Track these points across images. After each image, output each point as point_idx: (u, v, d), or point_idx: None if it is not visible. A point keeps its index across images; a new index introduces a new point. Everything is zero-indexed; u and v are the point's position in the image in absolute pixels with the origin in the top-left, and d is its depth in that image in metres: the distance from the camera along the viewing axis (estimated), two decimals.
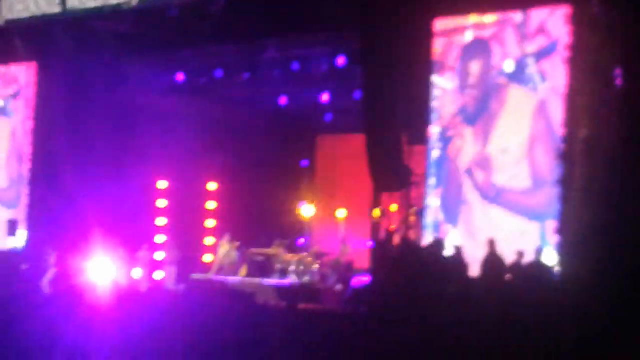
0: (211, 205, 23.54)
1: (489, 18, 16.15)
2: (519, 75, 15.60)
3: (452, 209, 16.21)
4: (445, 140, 16.50)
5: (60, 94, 21.35)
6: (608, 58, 12.21)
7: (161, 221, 22.66)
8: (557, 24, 14.80)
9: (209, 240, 23.00)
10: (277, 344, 11.14)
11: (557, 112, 14.51)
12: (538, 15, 15.47)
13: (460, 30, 16.48)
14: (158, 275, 21.26)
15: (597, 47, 12.25)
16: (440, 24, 16.65)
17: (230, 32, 18.64)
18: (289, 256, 19.87)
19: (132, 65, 20.82)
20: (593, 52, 12.36)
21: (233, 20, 18.08)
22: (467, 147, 16.19)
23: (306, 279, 19.09)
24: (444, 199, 16.37)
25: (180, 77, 21.18)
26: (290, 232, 22.05)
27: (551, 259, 13.44)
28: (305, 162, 24.07)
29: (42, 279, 18.26)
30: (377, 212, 17.44)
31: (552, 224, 14.09)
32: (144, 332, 10.43)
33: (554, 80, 14.74)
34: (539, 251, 13.56)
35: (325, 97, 20.71)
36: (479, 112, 16.17)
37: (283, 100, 21.53)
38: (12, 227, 21.43)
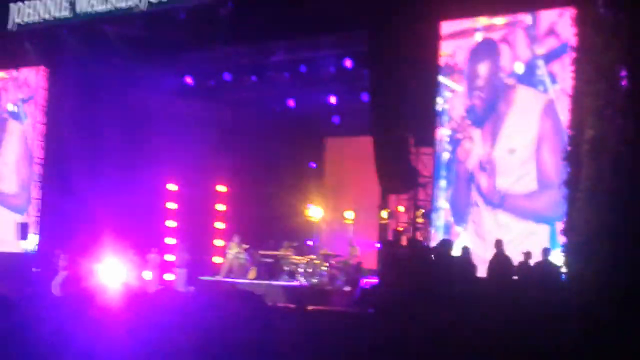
0: (220, 207, 23.65)
1: (499, 20, 16.14)
2: (528, 77, 15.60)
3: (461, 211, 16.26)
4: (455, 142, 16.54)
5: (71, 98, 21.49)
6: (613, 59, 12.24)
7: (171, 223, 22.79)
8: (566, 25, 14.70)
9: (218, 242, 23.10)
10: (286, 345, 11.20)
11: (566, 113, 14.53)
12: (548, 16, 15.45)
13: (470, 32, 16.49)
14: (168, 277, 21.37)
15: (602, 48, 12.27)
16: (451, 26, 16.66)
17: (239, 36, 18.74)
18: (298, 258, 19.92)
19: (142, 69, 20.95)
20: (598, 53, 12.38)
21: (241, 24, 18.18)
22: (475, 149, 16.23)
23: (315, 280, 19.15)
24: (453, 201, 16.42)
25: (189, 80, 21.31)
26: (298, 234, 22.12)
27: (559, 259, 13.47)
28: (313, 164, 24.15)
29: (52, 281, 18.39)
30: (384, 214, 17.52)
31: (561, 226, 14.11)
32: (153, 334, 10.52)
33: (564, 82, 14.70)
34: (546, 252, 13.60)
35: (332, 100, 20.80)
36: (487, 114, 16.19)
37: (291, 103, 21.64)
38: (23, 230, 21.60)
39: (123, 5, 19.27)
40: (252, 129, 23.31)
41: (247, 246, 20.92)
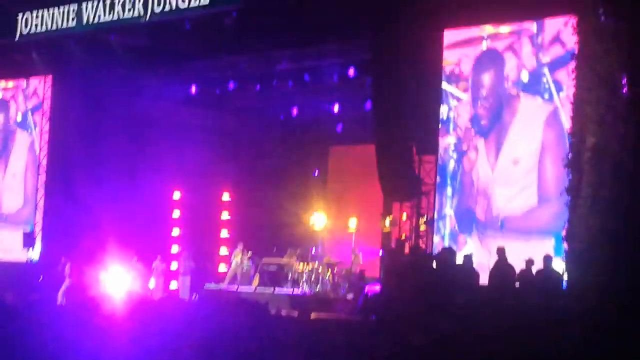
0: (224, 215, 23.73)
1: (504, 29, 16.14)
2: (533, 86, 15.60)
3: (465, 219, 16.29)
4: (461, 151, 16.58)
5: (76, 107, 21.64)
6: (614, 66, 12.28)
7: (175, 231, 22.88)
8: (572, 33, 14.76)
9: (222, 250, 23.17)
10: (289, 353, 11.23)
11: (569, 121, 14.52)
12: (553, 25, 15.44)
13: (477, 40, 16.47)
14: (172, 285, 21.45)
15: (603, 56, 12.31)
16: (456, 35, 16.68)
17: (243, 45, 18.88)
18: (302, 265, 19.97)
19: (147, 78, 21.10)
20: (599, 61, 12.42)
21: (245, 33, 18.32)
22: (480, 159, 16.24)
23: (318, 288, 19.19)
24: (458, 210, 16.45)
25: (193, 88, 21.42)
26: (302, 242, 22.16)
27: (561, 267, 13.49)
28: (316, 172, 24.23)
29: (57, 289, 18.49)
30: (387, 222, 17.57)
31: (563, 233, 14.10)
32: (157, 342, 10.57)
33: (570, 89, 14.64)
34: (547, 259, 13.61)
35: (336, 108, 20.89)
36: (492, 124, 16.17)
37: (295, 111, 21.72)
38: (29, 238, 21.70)
39: (128, 15, 19.41)
40: (256, 137, 23.43)
41: (250, 254, 20.99)
